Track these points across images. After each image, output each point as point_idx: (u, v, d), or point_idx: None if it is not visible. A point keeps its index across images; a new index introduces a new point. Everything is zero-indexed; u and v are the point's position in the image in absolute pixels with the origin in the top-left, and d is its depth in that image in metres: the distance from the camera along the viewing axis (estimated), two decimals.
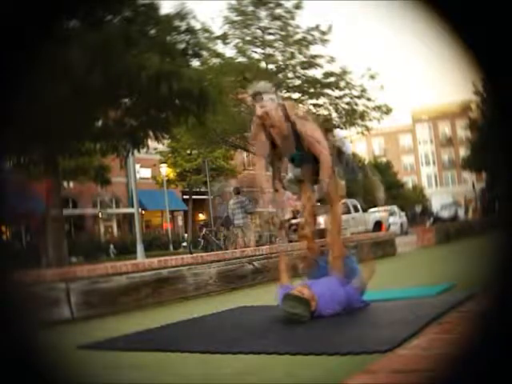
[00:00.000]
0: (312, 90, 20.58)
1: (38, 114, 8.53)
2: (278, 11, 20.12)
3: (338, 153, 3.67)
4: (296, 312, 3.10)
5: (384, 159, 56.87)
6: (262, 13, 20.21)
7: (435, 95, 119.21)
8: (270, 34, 20.57)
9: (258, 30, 20.51)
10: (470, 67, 1.53)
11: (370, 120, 21.14)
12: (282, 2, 20.03)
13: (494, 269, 1.66)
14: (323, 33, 19.98)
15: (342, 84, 20.39)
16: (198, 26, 11.87)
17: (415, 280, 5.19)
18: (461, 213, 32.15)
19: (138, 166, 24.18)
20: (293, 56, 20.34)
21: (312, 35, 20.04)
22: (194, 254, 6.85)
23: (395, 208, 27.13)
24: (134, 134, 11.37)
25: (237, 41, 20.30)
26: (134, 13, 10.14)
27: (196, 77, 10.40)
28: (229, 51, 20.44)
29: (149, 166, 30.84)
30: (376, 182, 4.58)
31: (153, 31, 10.36)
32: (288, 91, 21.69)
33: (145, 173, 31.11)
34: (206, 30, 17.81)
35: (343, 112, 20.97)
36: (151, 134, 11.60)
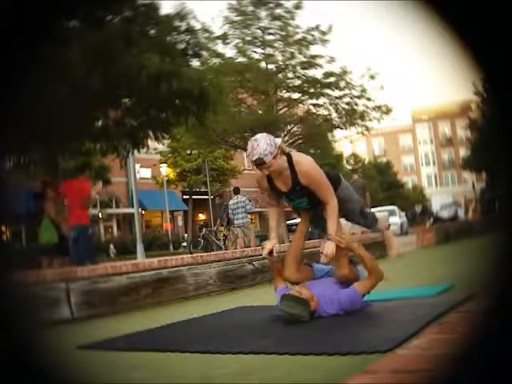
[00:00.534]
0: (312, 90, 20.57)
1: (38, 113, 8.53)
2: (278, 11, 20.11)
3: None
4: (294, 312, 3.10)
5: (384, 159, 56.89)
6: (262, 13, 20.20)
7: (435, 95, 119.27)
8: (270, 34, 20.56)
9: (258, 30, 20.51)
10: (469, 67, 1.53)
11: (370, 120, 21.12)
12: (282, 1, 20.03)
13: (494, 269, 1.67)
14: (323, 33, 19.97)
15: (342, 84, 20.38)
16: (198, 26, 11.86)
17: (415, 280, 5.20)
18: (461, 213, 32.12)
19: (137, 166, 24.19)
20: (293, 56, 20.33)
21: (312, 35, 20.02)
22: (194, 254, 6.85)
23: (395, 208, 27.14)
24: (134, 134, 11.36)
25: (237, 41, 20.30)
26: (134, 13, 10.13)
27: (196, 77, 10.40)
28: (229, 51, 20.45)
29: (149, 165, 30.84)
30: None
31: (153, 31, 10.36)
32: (288, 91, 21.69)
33: (145, 173, 31.11)
34: (205, 30, 17.80)
35: (343, 112, 20.95)
36: (151, 134, 11.59)
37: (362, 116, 20.88)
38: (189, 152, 29.46)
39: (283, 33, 20.27)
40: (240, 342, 2.72)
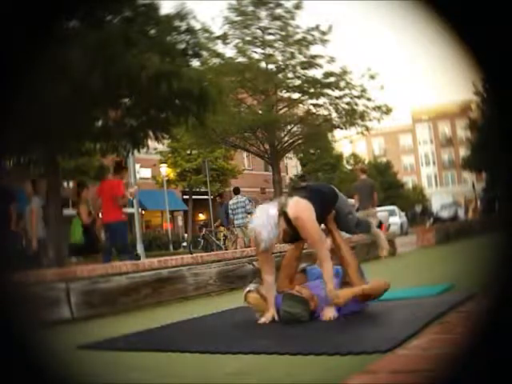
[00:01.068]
0: (312, 90, 20.57)
1: (38, 114, 8.53)
2: (278, 11, 20.12)
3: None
4: (294, 312, 3.09)
5: (384, 159, 56.90)
6: (262, 13, 20.21)
7: (435, 95, 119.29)
8: (270, 34, 20.57)
9: (258, 30, 20.51)
10: (469, 67, 1.53)
11: (370, 120, 21.12)
12: (282, 1, 20.04)
13: (494, 269, 1.67)
14: (323, 33, 19.98)
15: (342, 84, 20.38)
16: (198, 26, 11.85)
17: (415, 280, 5.19)
18: (461, 213, 32.11)
19: (138, 166, 24.18)
20: (293, 56, 20.34)
21: (312, 35, 20.03)
22: (194, 254, 6.85)
23: (395, 208, 27.13)
24: (134, 134, 11.35)
25: (237, 41, 20.31)
26: (134, 13, 10.12)
27: (196, 77, 10.38)
28: (229, 51, 20.47)
29: (149, 166, 30.84)
30: None
31: (153, 31, 10.34)
32: (288, 91, 21.70)
33: (145, 173, 31.11)
34: (205, 30, 17.81)
35: (343, 112, 20.95)
36: (151, 134, 11.58)
37: (362, 116, 20.88)
38: (189, 152, 29.47)
39: (283, 33, 20.28)
40: (240, 342, 2.72)
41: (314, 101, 21.22)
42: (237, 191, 12.78)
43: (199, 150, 27.27)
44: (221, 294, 5.72)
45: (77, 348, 2.90)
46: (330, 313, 3.15)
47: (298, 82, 20.88)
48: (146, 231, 29.92)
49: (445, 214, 31.89)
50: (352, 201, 11.67)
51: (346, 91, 20.56)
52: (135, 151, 12.06)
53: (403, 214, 28.65)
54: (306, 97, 21.18)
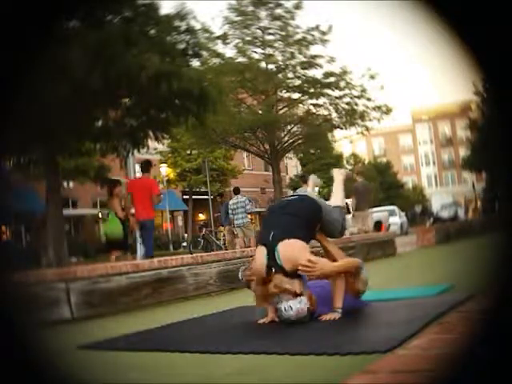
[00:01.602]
0: (312, 90, 20.58)
1: (38, 114, 8.54)
2: (278, 11, 20.13)
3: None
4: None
5: (384, 159, 56.92)
6: (262, 13, 20.22)
7: (435, 95, 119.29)
8: (270, 34, 20.58)
9: (258, 30, 20.52)
10: (469, 67, 1.53)
11: (370, 120, 21.13)
12: (282, 1, 20.05)
13: (494, 269, 1.67)
14: (323, 33, 19.99)
15: (342, 84, 20.39)
16: (197, 26, 11.87)
17: (415, 280, 5.19)
18: (461, 213, 32.11)
19: (138, 166, 24.16)
20: (293, 56, 20.34)
21: (312, 35, 20.04)
22: (194, 254, 6.85)
23: (395, 208, 27.13)
24: (134, 134, 11.36)
25: (237, 41, 20.32)
26: (134, 13, 10.13)
27: (196, 77, 10.39)
28: (229, 51, 20.48)
29: None
30: None
31: (153, 31, 10.35)
32: (288, 91, 21.70)
33: None
34: (205, 30, 17.81)
35: (343, 112, 20.96)
36: (151, 134, 11.60)
37: (362, 116, 20.89)
38: (189, 152, 29.49)
39: (283, 33, 20.29)
40: (240, 342, 2.72)
41: (313, 101, 21.24)
42: (237, 191, 12.79)
43: (199, 150, 27.28)
44: (221, 293, 5.72)
45: (77, 348, 2.90)
46: (330, 314, 3.16)
47: (298, 82, 20.89)
48: None
49: (445, 213, 31.88)
50: (349, 201, 11.72)
51: (346, 91, 20.57)
52: (135, 151, 12.07)
53: (403, 213, 28.65)
54: (306, 97, 21.19)
